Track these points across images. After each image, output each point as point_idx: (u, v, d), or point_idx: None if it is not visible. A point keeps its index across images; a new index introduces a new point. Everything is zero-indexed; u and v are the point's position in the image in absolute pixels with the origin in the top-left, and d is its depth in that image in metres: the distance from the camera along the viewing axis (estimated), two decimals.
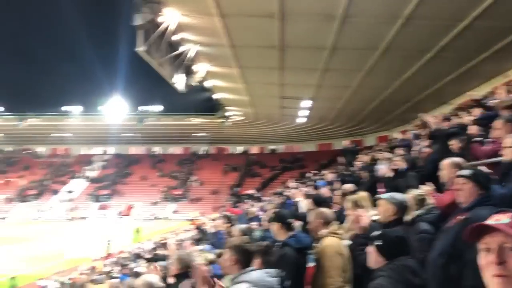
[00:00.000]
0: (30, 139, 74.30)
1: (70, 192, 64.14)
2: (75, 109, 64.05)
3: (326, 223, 4.83)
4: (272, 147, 71.56)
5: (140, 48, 18.06)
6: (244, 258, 3.82)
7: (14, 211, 59.07)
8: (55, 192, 64.27)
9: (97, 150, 78.48)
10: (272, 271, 3.78)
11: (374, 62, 21.14)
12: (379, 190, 7.69)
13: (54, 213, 58.06)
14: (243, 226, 7.80)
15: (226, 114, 47.70)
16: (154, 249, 17.41)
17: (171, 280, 4.82)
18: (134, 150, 77.49)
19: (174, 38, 20.04)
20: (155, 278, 3.80)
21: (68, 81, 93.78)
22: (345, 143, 19.93)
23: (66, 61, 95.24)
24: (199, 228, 17.22)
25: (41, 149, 78.30)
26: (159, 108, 64.16)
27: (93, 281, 11.44)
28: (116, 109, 57.62)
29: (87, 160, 74.81)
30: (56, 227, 43.86)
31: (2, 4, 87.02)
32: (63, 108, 64.27)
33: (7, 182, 67.69)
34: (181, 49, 21.54)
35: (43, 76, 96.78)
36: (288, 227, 4.91)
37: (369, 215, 4.85)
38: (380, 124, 41.85)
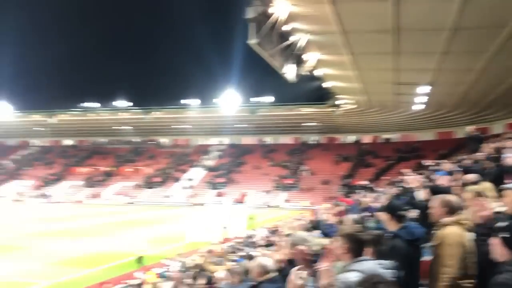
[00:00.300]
0: (154, 130, 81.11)
1: (190, 179, 68.77)
2: (193, 102, 68.11)
3: (451, 211, 4.56)
4: (386, 136, 68.75)
5: (252, 41, 18.51)
6: (356, 247, 3.79)
7: (141, 196, 65.22)
8: (177, 179, 69.41)
9: (213, 140, 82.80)
10: (385, 262, 3.68)
11: (502, 42, 19.10)
12: (506, 181, 6.99)
13: (176, 199, 62.82)
14: (356, 215, 7.66)
15: (337, 102, 46.95)
16: (268, 235, 17.93)
17: (282, 265, 4.94)
18: (247, 140, 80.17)
19: (285, 28, 20.20)
20: (268, 261, 3.93)
21: (187, 77, 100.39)
22: (469, 129, 18.23)
23: (185, 58, 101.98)
24: (311, 217, 17.30)
25: (164, 140, 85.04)
26: (270, 99, 65.39)
27: (212, 263, 12.19)
28: (230, 102, 60.04)
29: (204, 150, 79.38)
30: (178, 212, 47.40)
31: (130, 6, 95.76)
32: (183, 102, 68.70)
33: (136, 170, 74.90)
34: (292, 39, 21.64)
35: (165, 73, 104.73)
36: (399, 218, 4.74)
37: (492, 205, 4.46)
38: (509, 110, 37.95)
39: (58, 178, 74.22)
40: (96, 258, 22.18)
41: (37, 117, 75.33)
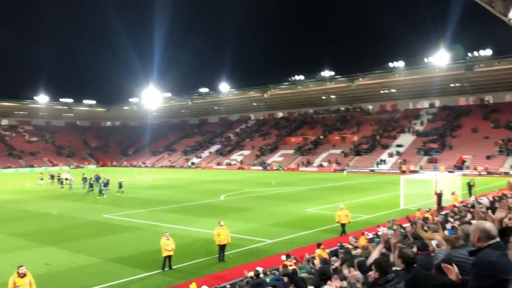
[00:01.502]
0: (360, 98, 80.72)
1: (399, 146, 66.46)
2: (399, 65, 65.00)
3: None
4: None
5: None
6: None
7: (350, 164, 66.16)
8: (386, 146, 67.88)
9: (423, 104, 77.88)
10: None
11: None
12: None
13: (386, 166, 61.70)
14: None
15: None
16: (491, 203, 16.16)
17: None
18: (463, 101, 72.87)
19: None
20: (490, 225, 3.58)
21: (393, 38, 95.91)
22: None
23: (392, 17, 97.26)
24: None
25: (370, 107, 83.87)
26: (488, 52, 57.59)
27: (426, 231, 11.69)
28: (441, 59, 55.17)
29: (414, 115, 75.35)
30: (389, 179, 46.55)
31: None
32: (389, 65, 66.19)
33: (343, 138, 76.19)
34: None
35: (369, 35, 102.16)
36: None
37: None
38: None
39: (273, 148, 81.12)
40: (312, 220, 23.67)
41: (252, 93, 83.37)
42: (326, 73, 73.51)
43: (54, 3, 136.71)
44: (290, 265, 11.59)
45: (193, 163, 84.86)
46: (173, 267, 14.92)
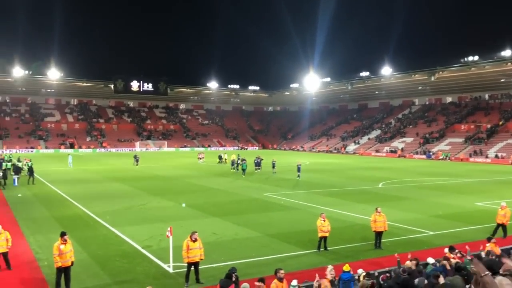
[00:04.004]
0: None
1: None
2: None
3: None
4: None
5: None
6: None
7: None
8: None
9: None
10: None
11: None
12: None
13: None
14: None
15: None
16: None
17: None
18: None
19: None
20: None
21: None
22: None
23: None
24: None
25: None
26: None
27: None
28: None
29: None
30: None
31: None
32: None
33: None
34: None
35: None
36: None
37: None
38: None
39: (439, 135, 75.19)
40: (480, 215, 21.42)
41: (418, 76, 78.13)
42: (507, 52, 64.63)
43: None
44: (453, 258, 10.70)
45: (350, 149, 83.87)
46: (328, 248, 15.06)
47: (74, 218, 20.74)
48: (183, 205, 22.72)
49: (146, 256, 14.34)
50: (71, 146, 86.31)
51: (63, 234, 11.54)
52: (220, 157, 56.51)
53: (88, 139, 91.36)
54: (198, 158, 57.52)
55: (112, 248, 15.35)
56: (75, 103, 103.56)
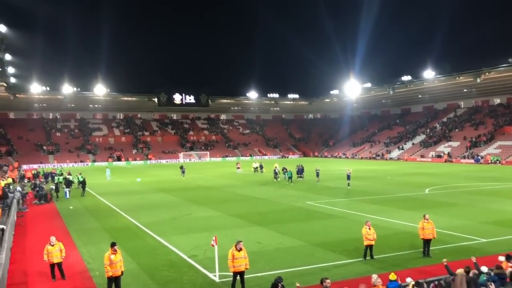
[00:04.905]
0: None
1: None
2: None
3: None
4: None
5: None
6: None
7: None
8: None
9: None
10: None
11: None
12: None
13: None
14: None
15: None
16: None
17: None
18: None
19: None
20: None
21: None
22: None
23: None
24: None
25: None
26: None
27: None
28: None
29: None
30: None
31: None
32: None
33: None
34: None
35: None
36: None
37: None
38: None
39: (488, 139, 72.22)
40: None
41: (462, 78, 75.56)
42: None
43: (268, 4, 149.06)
44: (510, 267, 10.25)
45: (394, 155, 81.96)
46: (374, 257, 14.78)
47: (123, 228, 21.41)
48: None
49: (192, 265, 14.59)
50: (118, 159, 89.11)
51: (113, 245, 11.97)
52: (261, 167, 55.15)
53: (134, 151, 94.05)
54: (237, 168, 57.82)
55: (159, 257, 15.72)
56: (121, 117, 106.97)
